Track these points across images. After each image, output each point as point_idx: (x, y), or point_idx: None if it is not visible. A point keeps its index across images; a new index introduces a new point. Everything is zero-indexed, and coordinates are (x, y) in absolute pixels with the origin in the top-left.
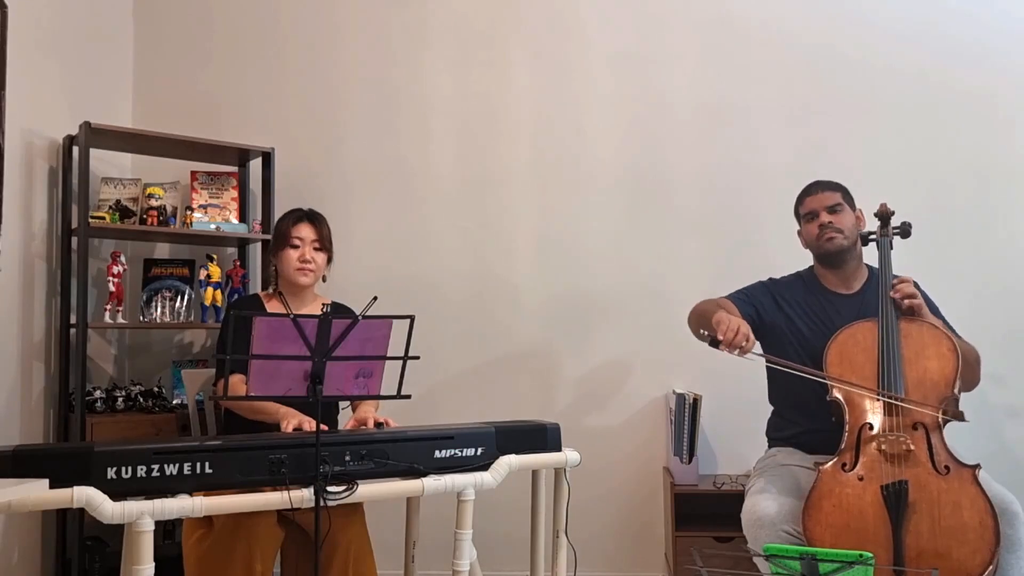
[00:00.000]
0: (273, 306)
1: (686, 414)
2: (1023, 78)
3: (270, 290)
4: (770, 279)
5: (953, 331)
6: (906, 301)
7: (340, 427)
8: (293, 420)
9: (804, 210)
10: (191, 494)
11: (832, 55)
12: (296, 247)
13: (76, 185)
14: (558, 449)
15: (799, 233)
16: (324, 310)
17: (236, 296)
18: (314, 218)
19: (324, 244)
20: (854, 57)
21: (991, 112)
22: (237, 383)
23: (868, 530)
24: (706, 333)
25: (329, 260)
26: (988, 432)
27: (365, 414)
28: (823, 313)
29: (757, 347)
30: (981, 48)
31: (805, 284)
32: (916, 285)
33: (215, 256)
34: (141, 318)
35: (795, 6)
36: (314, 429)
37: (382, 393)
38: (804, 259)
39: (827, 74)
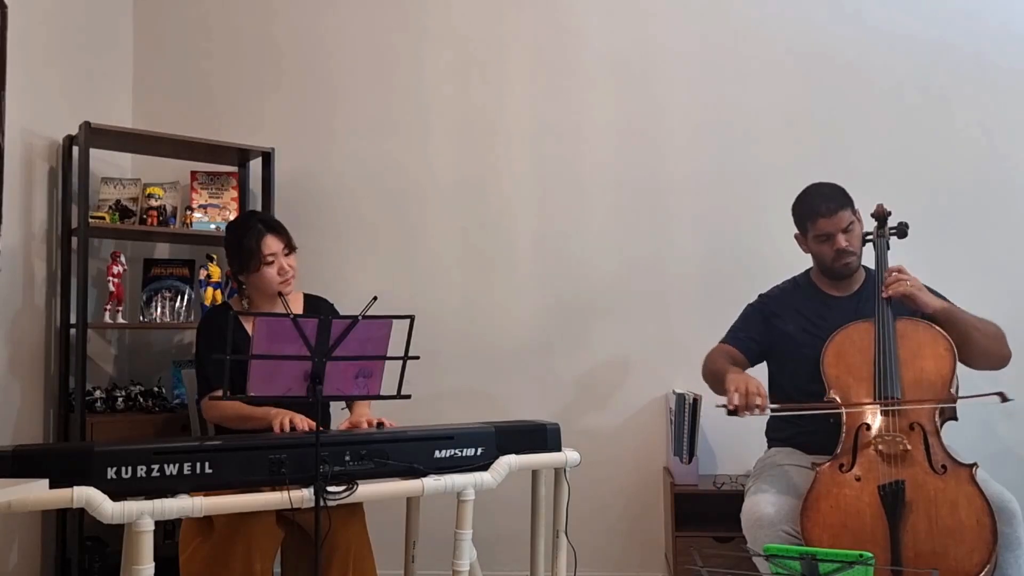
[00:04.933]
0: (247, 317)
1: (686, 414)
2: (1021, 78)
3: (244, 303)
4: (759, 298)
5: (963, 312)
6: (904, 298)
7: (334, 427)
8: (284, 419)
9: (817, 231)
10: (191, 494)
11: (830, 56)
12: (271, 263)
13: (76, 185)
14: (558, 449)
15: (799, 238)
16: (302, 307)
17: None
18: (272, 226)
19: (292, 246)
20: (851, 58)
21: (990, 112)
22: (219, 396)
23: (866, 530)
24: (721, 406)
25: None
26: (986, 431)
27: (359, 416)
28: (818, 316)
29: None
30: (979, 48)
31: (801, 289)
32: None
33: (215, 256)
34: (141, 318)
35: (793, 9)
36: (306, 426)
37: (382, 393)
38: (802, 260)
39: (825, 75)
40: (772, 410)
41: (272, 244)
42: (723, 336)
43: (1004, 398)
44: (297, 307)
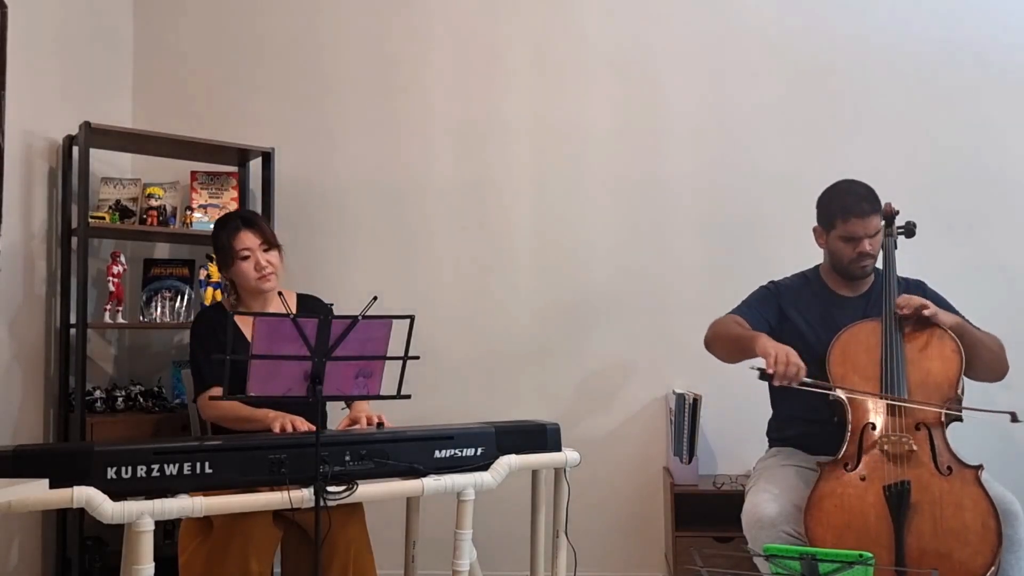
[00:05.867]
0: (241, 315)
1: (686, 414)
2: (1021, 77)
3: (232, 300)
4: (772, 284)
5: (968, 322)
6: (924, 312)
7: (332, 426)
8: (285, 421)
9: (847, 231)
10: (191, 494)
11: (831, 56)
12: (246, 258)
13: (76, 185)
14: (558, 449)
15: (817, 231)
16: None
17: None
18: (250, 221)
19: (272, 242)
20: (852, 58)
21: (991, 112)
22: (218, 395)
23: (870, 530)
24: (756, 368)
25: (280, 251)
26: (991, 433)
27: (358, 413)
28: (827, 315)
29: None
30: (979, 48)
31: (810, 285)
32: (924, 285)
33: (215, 256)
34: (141, 318)
35: (794, 9)
36: (303, 429)
37: (382, 393)
38: (804, 260)
39: (826, 75)
40: (803, 384)
41: (247, 239)
42: (734, 308)
43: (1015, 418)
44: (291, 307)
